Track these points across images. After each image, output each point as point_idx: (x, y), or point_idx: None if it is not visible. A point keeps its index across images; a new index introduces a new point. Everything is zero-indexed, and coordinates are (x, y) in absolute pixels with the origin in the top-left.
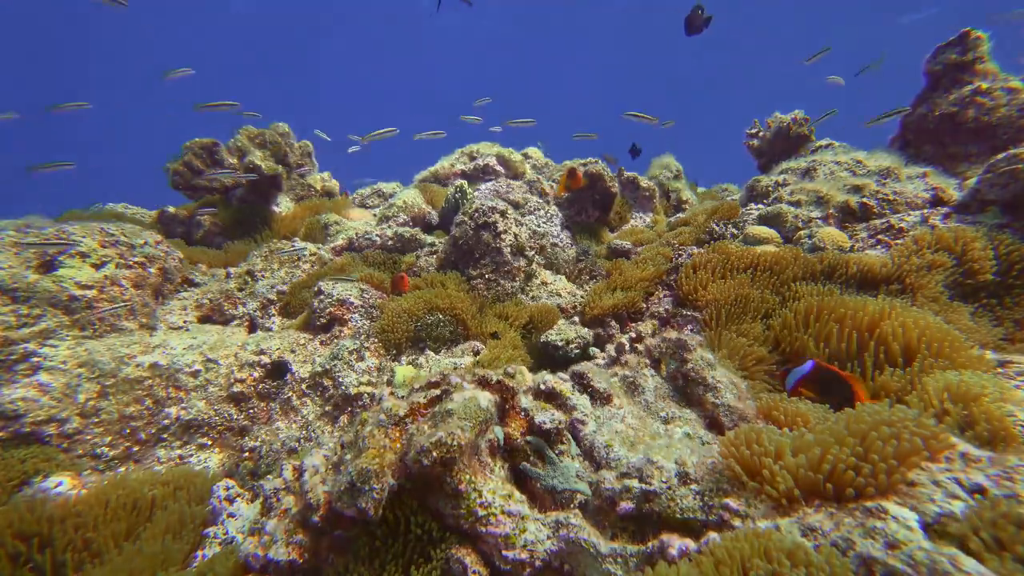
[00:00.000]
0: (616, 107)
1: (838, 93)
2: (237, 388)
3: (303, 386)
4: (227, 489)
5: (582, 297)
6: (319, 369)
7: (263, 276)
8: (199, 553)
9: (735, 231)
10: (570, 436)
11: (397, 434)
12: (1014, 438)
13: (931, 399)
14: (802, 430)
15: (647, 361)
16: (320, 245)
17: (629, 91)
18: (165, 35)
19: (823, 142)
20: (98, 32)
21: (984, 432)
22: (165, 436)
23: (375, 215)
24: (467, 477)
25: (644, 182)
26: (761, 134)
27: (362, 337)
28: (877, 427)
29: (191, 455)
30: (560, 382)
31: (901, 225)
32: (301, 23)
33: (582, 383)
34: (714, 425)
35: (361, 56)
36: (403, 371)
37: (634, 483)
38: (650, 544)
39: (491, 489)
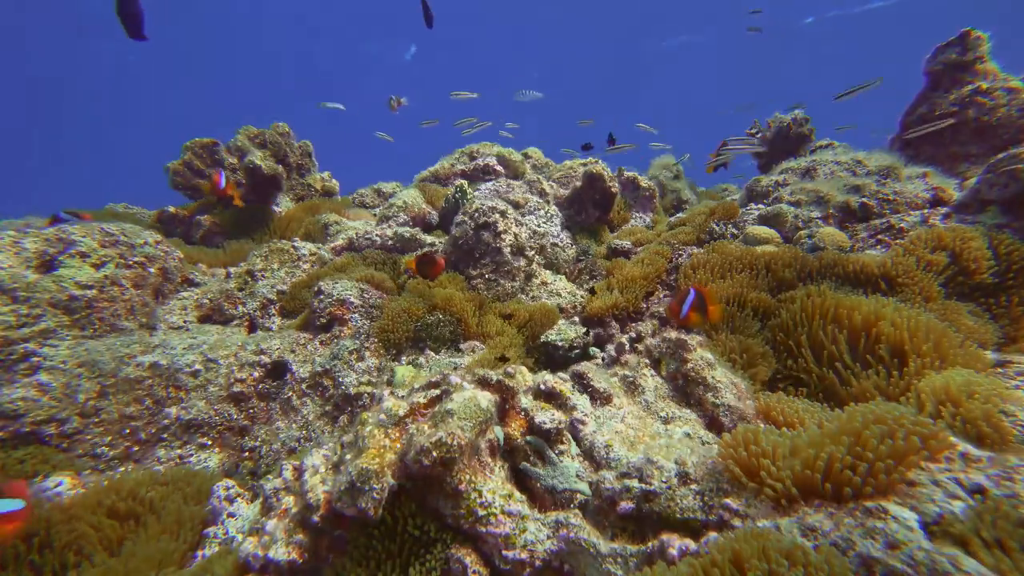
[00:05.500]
0: (611, 103)
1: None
2: (237, 388)
3: (303, 386)
4: (227, 489)
5: (582, 297)
6: (319, 369)
7: (263, 276)
8: (199, 553)
9: (735, 231)
10: (570, 436)
11: (397, 434)
12: (1010, 438)
13: (926, 399)
14: (800, 430)
15: (647, 361)
16: (320, 245)
17: (628, 89)
18: (167, 33)
19: (823, 142)
20: (100, 33)
21: (979, 432)
22: (165, 436)
23: (375, 215)
24: (467, 477)
25: (644, 182)
26: (761, 134)
27: (362, 337)
28: (870, 425)
29: (191, 455)
30: (560, 382)
31: (901, 225)
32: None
33: (582, 383)
34: (714, 425)
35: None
36: (403, 371)
37: (634, 483)
38: (650, 544)
39: (491, 489)
